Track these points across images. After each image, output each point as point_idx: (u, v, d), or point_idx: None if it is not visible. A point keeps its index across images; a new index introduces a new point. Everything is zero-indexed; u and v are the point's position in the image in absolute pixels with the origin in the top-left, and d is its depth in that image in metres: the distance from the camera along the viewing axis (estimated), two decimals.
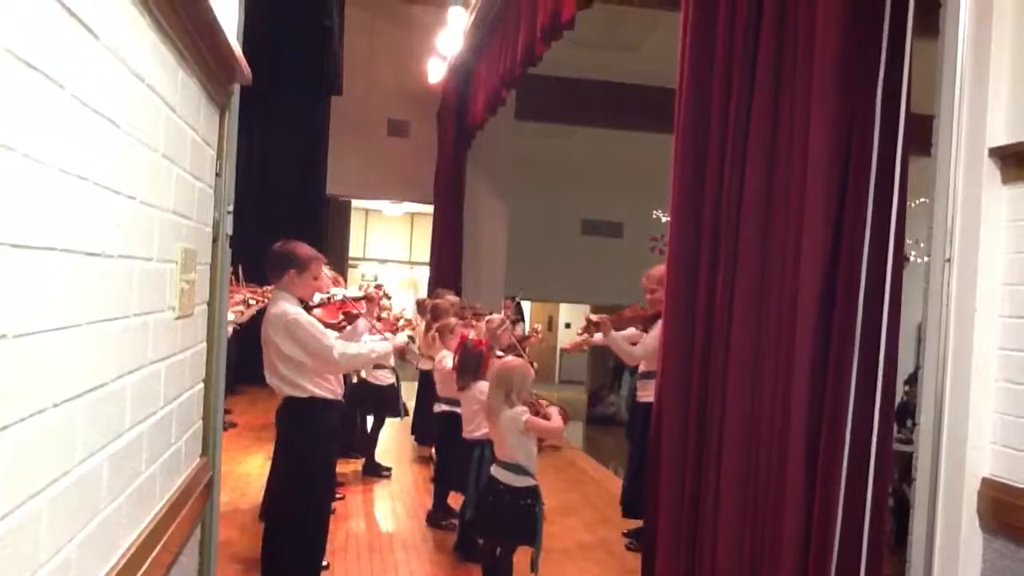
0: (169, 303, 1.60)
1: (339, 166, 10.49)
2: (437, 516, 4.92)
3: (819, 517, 2.42)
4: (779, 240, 2.62)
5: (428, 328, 6.56)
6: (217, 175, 2.09)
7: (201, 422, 2.05)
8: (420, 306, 7.83)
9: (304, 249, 3.68)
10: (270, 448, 4.12)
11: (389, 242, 13.10)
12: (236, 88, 2.10)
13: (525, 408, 4.03)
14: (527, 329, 8.85)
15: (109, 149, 1.20)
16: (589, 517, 5.21)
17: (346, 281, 5.76)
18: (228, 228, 2.16)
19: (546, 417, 4.16)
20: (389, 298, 7.00)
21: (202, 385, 2.04)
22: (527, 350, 5.53)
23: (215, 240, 2.09)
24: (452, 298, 7.26)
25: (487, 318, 5.97)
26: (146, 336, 1.45)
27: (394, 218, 12.90)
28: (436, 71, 9.36)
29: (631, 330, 4.71)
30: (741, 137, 2.77)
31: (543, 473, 4.34)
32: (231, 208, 2.16)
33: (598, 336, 4.71)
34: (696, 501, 3.03)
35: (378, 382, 6.31)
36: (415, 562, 4.61)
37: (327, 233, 10.72)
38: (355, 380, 6.22)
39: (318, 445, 3.64)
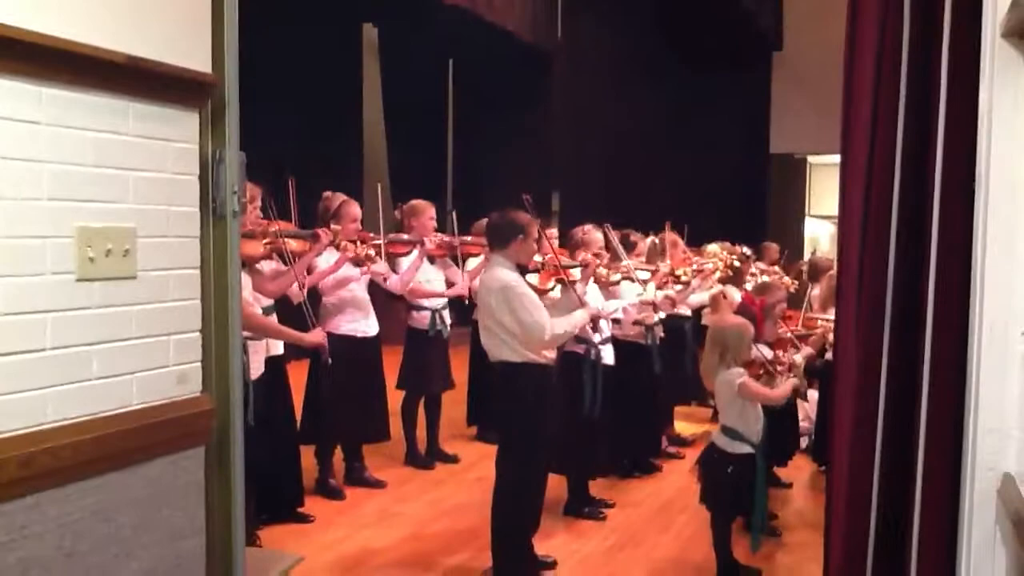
0: (58, 269, 2.14)
1: (786, 123, 10.15)
2: None
3: None
4: None
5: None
6: (219, 162, 2.59)
7: (200, 363, 2.58)
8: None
9: (524, 216, 3.98)
10: None
11: None
12: (216, 90, 2.55)
13: (742, 371, 3.89)
14: None
15: None
16: None
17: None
18: (235, 206, 2.64)
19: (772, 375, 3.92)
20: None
21: (196, 334, 2.56)
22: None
23: (217, 215, 2.59)
24: None
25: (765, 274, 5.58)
26: None
27: None
28: None
29: None
30: None
31: None
32: (236, 189, 2.63)
33: None
34: None
35: None
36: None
37: (772, 191, 10.47)
38: None
39: (528, 410, 3.92)
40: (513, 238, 3.85)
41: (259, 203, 4.42)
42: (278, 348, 4.56)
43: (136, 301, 2.36)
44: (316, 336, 4.45)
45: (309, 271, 4.78)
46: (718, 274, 6.49)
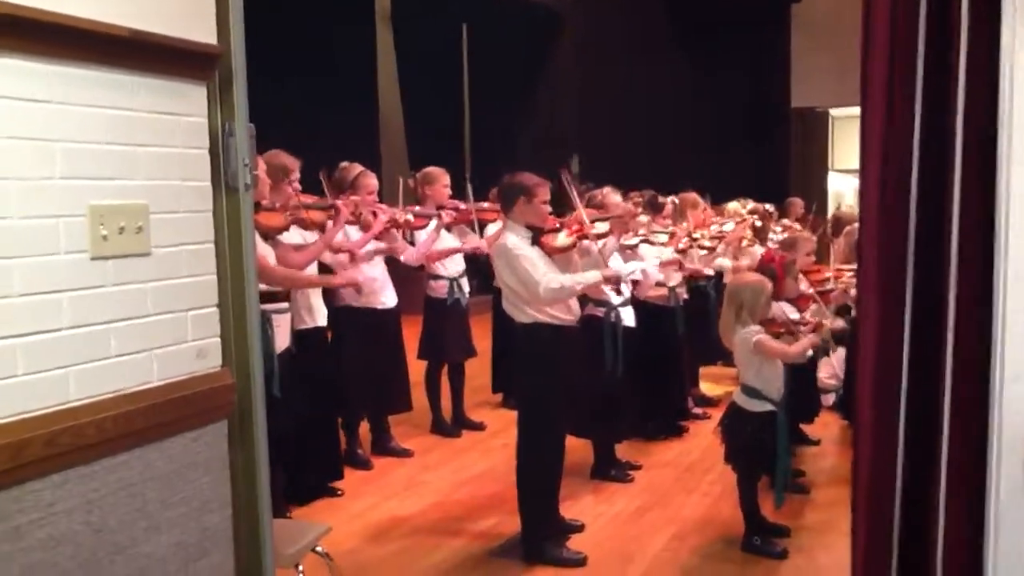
0: (72, 248, 2.14)
1: (807, 77, 9.99)
2: None
3: None
4: None
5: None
6: (229, 135, 2.57)
7: (219, 338, 2.59)
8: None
9: (530, 177, 3.96)
10: None
11: None
12: (223, 62, 2.53)
13: (759, 328, 3.86)
14: None
15: None
16: None
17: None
18: (247, 178, 2.62)
19: (794, 335, 3.90)
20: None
21: (213, 309, 2.57)
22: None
23: (229, 188, 2.58)
24: None
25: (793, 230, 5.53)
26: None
27: None
28: None
29: None
30: None
31: None
32: (247, 161, 2.62)
33: None
34: None
35: None
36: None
37: (794, 146, 10.36)
38: None
39: (541, 370, 3.92)
40: (515, 200, 3.85)
41: (298, 175, 4.43)
42: (318, 319, 4.55)
43: (151, 278, 2.36)
44: (345, 276, 4.47)
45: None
46: (745, 242, 6.44)
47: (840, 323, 4.73)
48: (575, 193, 4.36)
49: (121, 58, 2.22)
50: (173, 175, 2.42)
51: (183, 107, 2.44)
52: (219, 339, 2.60)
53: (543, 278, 3.74)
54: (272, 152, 4.42)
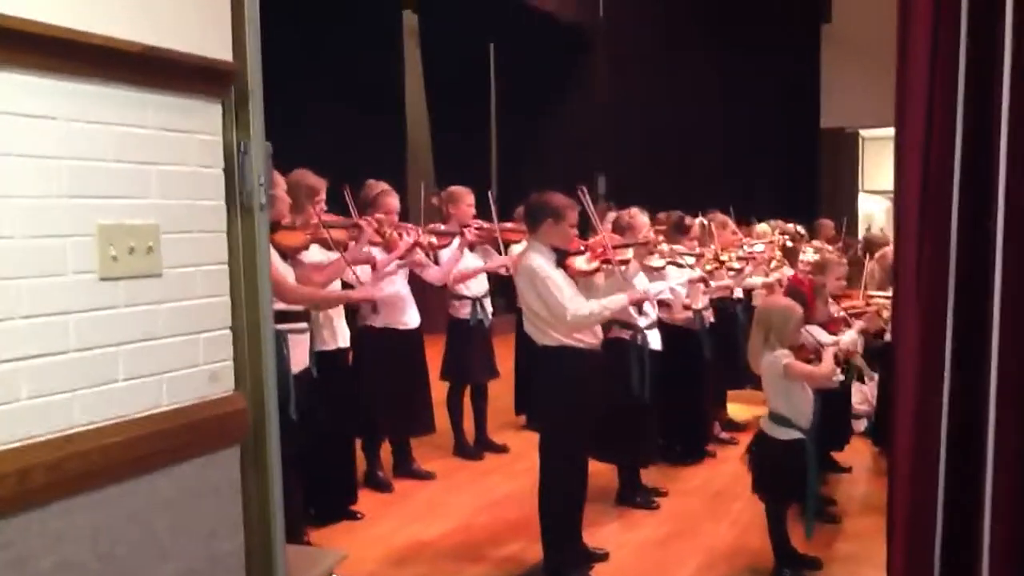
0: (80, 268, 2.09)
1: (837, 97, 9.87)
2: None
3: None
4: None
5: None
6: (244, 153, 2.51)
7: (231, 361, 2.52)
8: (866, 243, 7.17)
9: (559, 198, 3.88)
10: None
11: None
12: (239, 79, 2.48)
13: (787, 352, 3.75)
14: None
15: None
16: None
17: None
18: (262, 198, 2.56)
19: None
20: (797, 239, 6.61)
21: (226, 331, 2.50)
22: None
23: (244, 208, 2.52)
24: None
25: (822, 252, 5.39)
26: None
27: None
28: None
29: None
30: None
31: None
32: (263, 180, 2.56)
33: None
34: None
35: None
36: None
37: (824, 167, 10.26)
38: None
39: (564, 395, 3.83)
40: (543, 221, 3.77)
41: (323, 196, 4.38)
42: (340, 341, 4.49)
43: (162, 299, 2.30)
44: (363, 291, 4.39)
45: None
46: (774, 263, 6.32)
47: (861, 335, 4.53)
48: (596, 218, 4.27)
49: (132, 74, 2.18)
50: (186, 194, 2.37)
51: (197, 125, 2.39)
52: (232, 362, 2.53)
53: (570, 303, 3.66)
54: (298, 172, 4.37)
